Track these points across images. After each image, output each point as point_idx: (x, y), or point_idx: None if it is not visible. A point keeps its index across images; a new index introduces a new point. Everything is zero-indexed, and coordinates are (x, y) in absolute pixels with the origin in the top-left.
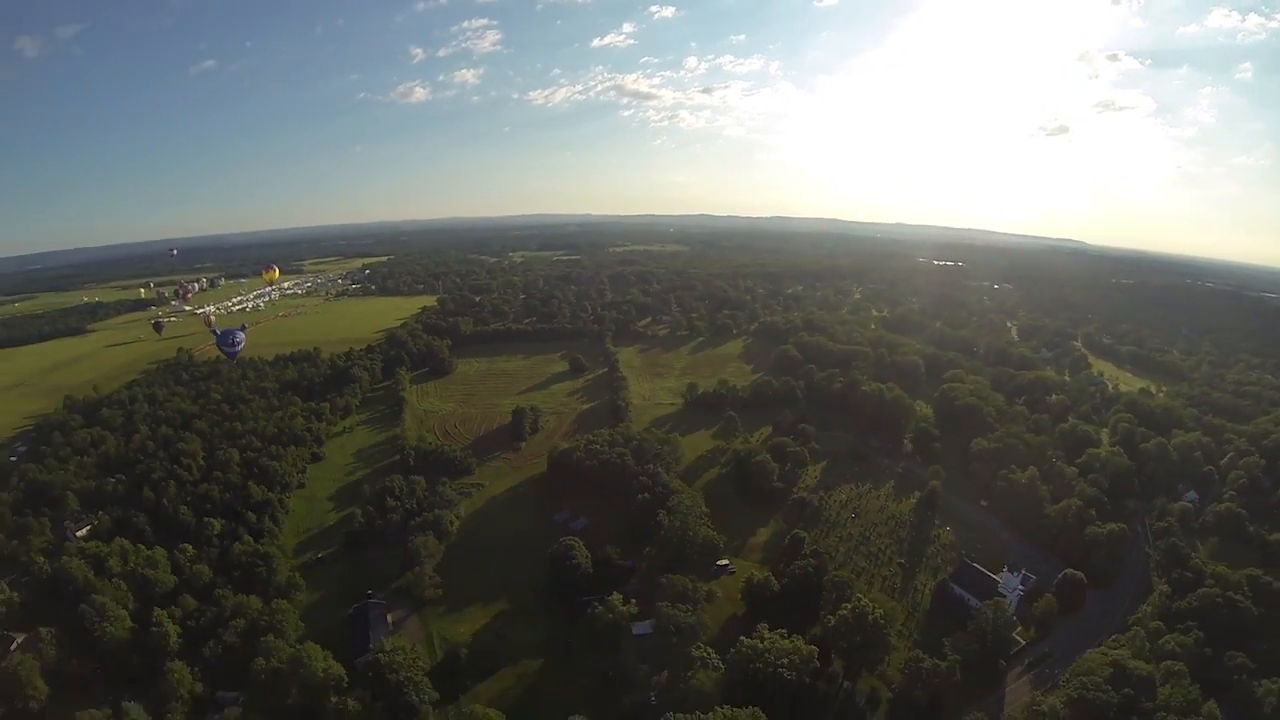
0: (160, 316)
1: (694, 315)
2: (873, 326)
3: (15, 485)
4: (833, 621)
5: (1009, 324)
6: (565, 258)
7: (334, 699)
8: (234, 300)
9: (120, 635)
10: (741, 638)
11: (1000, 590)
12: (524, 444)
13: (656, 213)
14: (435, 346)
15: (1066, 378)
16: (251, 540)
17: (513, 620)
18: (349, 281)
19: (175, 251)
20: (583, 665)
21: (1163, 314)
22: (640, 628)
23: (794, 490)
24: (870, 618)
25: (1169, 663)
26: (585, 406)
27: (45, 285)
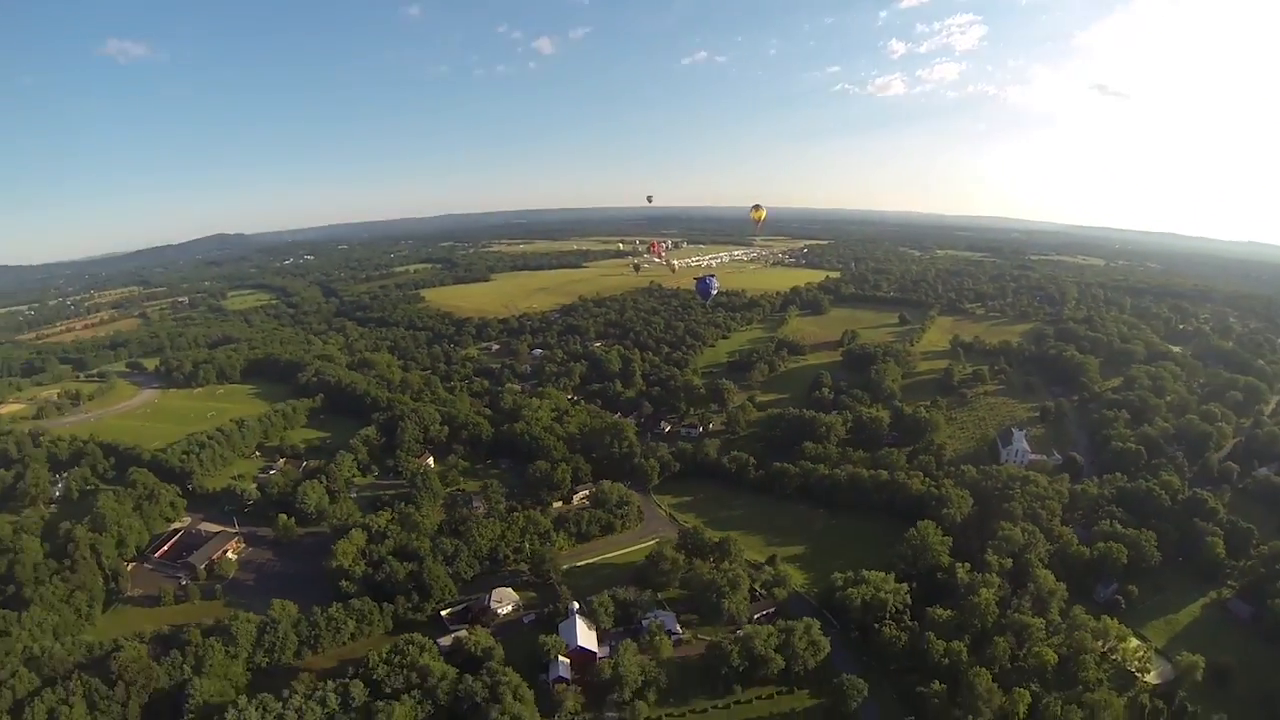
0: (638, 261)
1: (1008, 304)
2: (1148, 330)
3: (559, 327)
4: (903, 417)
5: None
6: (978, 257)
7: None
8: (692, 259)
9: (614, 368)
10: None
11: (1012, 440)
12: (842, 348)
13: (1118, 226)
14: (818, 298)
15: None
16: (681, 354)
17: (783, 401)
18: (787, 256)
19: (651, 199)
20: None
21: None
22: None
23: (964, 391)
24: (920, 417)
25: (1060, 490)
26: (888, 339)
27: (540, 234)
